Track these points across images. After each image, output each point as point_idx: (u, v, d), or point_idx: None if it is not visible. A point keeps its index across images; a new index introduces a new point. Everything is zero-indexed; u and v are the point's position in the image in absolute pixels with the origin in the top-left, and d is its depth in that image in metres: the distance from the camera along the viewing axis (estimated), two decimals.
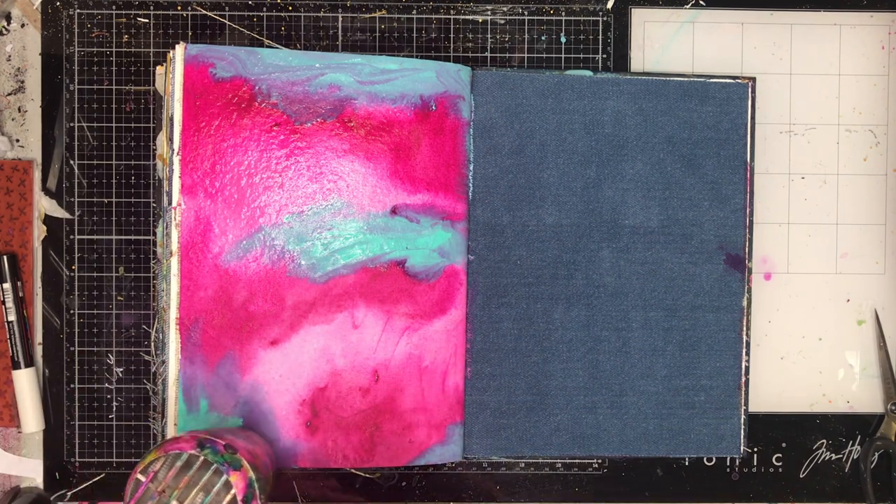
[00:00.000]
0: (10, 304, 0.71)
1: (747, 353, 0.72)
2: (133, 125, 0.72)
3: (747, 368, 0.72)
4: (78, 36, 0.72)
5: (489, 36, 0.73)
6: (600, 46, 0.74)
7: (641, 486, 0.74)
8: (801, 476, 0.75)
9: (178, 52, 0.67)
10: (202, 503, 0.58)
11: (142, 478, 0.58)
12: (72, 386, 0.72)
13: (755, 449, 0.74)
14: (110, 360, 0.72)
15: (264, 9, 0.72)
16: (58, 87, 0.72)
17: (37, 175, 0.72)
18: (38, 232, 0.72)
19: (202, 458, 0.59)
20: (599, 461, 0.74)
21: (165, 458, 0.58)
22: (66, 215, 0.72)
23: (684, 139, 0.72)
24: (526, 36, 0.73)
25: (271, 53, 0.68)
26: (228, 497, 0.58)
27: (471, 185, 0.71)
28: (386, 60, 0.69)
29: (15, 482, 0.73)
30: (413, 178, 0.69)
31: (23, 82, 0.73)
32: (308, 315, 0.68)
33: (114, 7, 0.72)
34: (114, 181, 0.72)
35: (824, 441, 0.75)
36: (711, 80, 0.72)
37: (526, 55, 0.73)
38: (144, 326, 0.72)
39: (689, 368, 0.72)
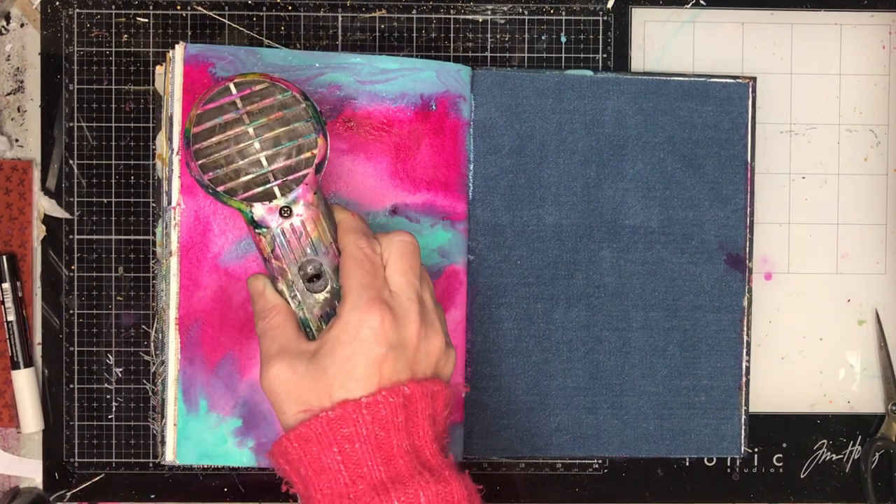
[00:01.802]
0: (9, 304, 0.71)
1: (748, 353, 0.72)
2: (133, 125, 0.72)
3: (748, 368, 0.72)
4: (77, 36, 0.72)
5: (489, 36, 0.73)
6: (600, 46, 0.73)
7: (641, 487, 0.74)
8: (801, 476, 0.74)
9: (178, 52, 0.67)
10: (277, 144, 0.54)
11: (234, 90, 0.54)
12: (71, 386, 0.72)
13: (756, 449, 0.74)
14: (110, 360, 0.72)
15: (264, 8, 0.72)
16: (57, 87, 0.72)
17: (36, 175, 0.72)
18: (38, 232, 0.72)
19: (304, 105, 0.55)
20: (599, 461, 0.74)
21: (268, 86, 0.55)
22: (66, 215, 0.72)
23: (685, 139, 0.72)
24: (526, 36, 0.73)
25: (271, 53, 0.68)
26: (305, 155, 0.55)
27: (471, 184, 0.71)
28: (386, 60, 0.69)
29: (14, 482, 0.73)
30: (413, 177, 0.69)
31: (22, 82, 0.73)
32: None
33: (113, 7, 0.72)
34: (113, 181, 0.72)
35: (825, 441, 0.75)
36: (712, 79, 0.72)
37: (526, 55, 0.73)
38: (144, 326, 0.72)
39: (690, 368, 0.72)
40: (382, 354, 0.53)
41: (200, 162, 0.54)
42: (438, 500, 0.52)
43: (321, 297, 0.56)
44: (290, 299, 0.57)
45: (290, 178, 0.55)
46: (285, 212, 0.55)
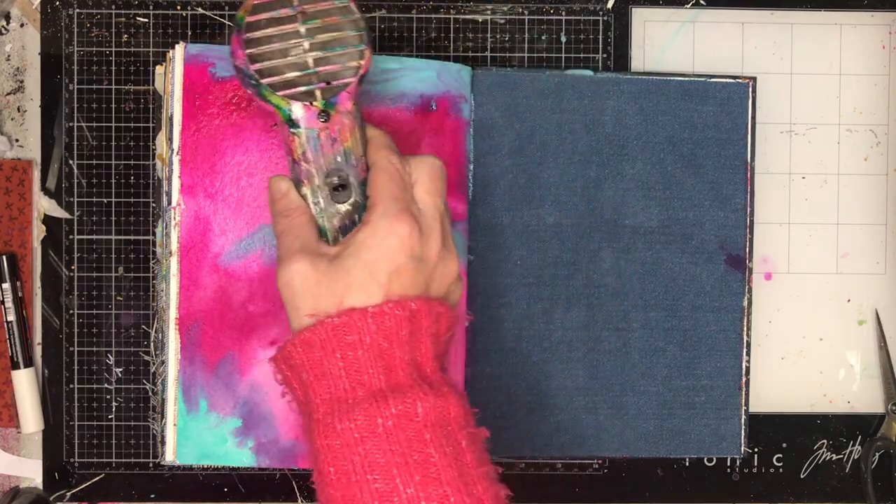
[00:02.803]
0: (9, 304, 0.71)
1: (748, 354, 0.72)
2: (133, 125, 0.72)
3: (748, 368, 0.72)
4: (77, 35, 0.72)
5: (489, 36, 0.73)
6: (600, 46, 0.73)
7: (641, 487, 0.74)
8: (801, 476, 0.74)
9: (178, 52, 0.67)
10: (326, 48, 0.54)
11: None
12: (71, 386, 0.72)
13: (756, 449, 0.74)
14: (110, 360, 0.72)
15: None
16: (57, 87, 0.72)
17: (36, 175, 0.72)
18: (38, 232, 0.72)
19: (358, 16, 0.55)
20: (599, 461, 0.74)
21: None
22: (66, 215, 0.72)
23: (685, 139, 0.72)
24: (526, 36, 0.73)
25: None
26: (352, 64, 0.55)
27: (471, 185, 0.71)
28: (386, 60, 0.69)
29: (14, 482, 0.73)
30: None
31: (22, 82, 0.73)
32: None
33: (113, 7, 0.72)
34: (113, 181, 0.72)
35: (825, 441, 0.75)
36: (712, 79, 0.72)
37: (526, 55, 0.73)
38: (144, 326, 0.72)
39: (690, 368, 0.72)
40: (404, 264, 0.54)
41: (249, 51, 0.53)
42: (435, 413, 0.52)
43: (343, 208, 0.56)
44: (311, 205, 0.56)
45: (335, 83, 0.55)
46: (323, 116, 0.55)
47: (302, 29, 0.54)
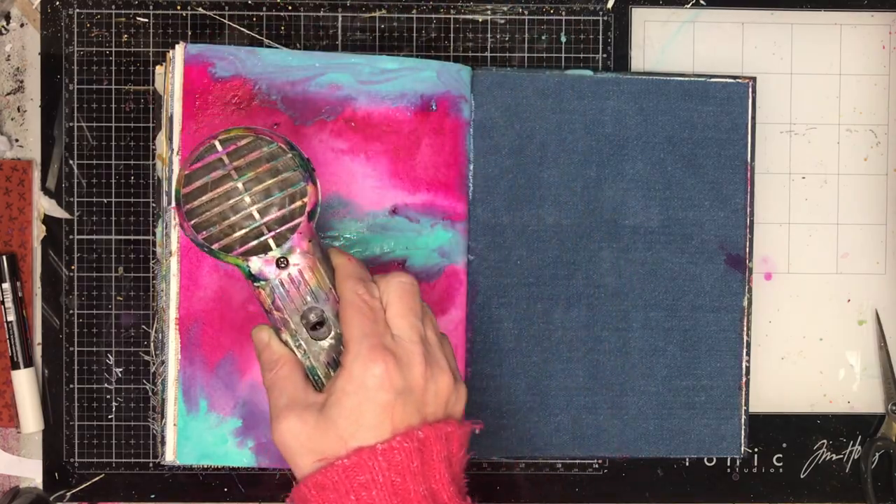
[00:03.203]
0: (9, 304, 0.71)
1: (748, 353, 0.72)
2: (133, 125, 0.72)
3: (748, 368, 0.72)
4: (77, 35, 0.72)
5: (489, 36, 0.73)
6: (600, 46, 0.73)
7: (641, 487, 0.74)
8: (801, 476, 0.74)
9: (178, 52, 0.67)
10: (268, 197, 0.54)
11: (219, 147, 0.54)
12: (71, 386, 0.72)
13: (756, 449, 0.74)
14: (110, 360, 0.72)
15: (264, 8, 0.72)
16: (57, 87, 0.72)
17: (36, 175, 0.72)
18: (38, 232, 0.72)
19: (290, 155, 0.55)
20: (599, 461, 0.74)
21: (253, 140, 0.55)
22: (66, 215, 0.72)
23: (685, 139, 0.72)
24: (526, 36, 0.73)
25: (271, 53, 0.68)
26: (297, 204, 0.55)
27: (471, 185, 0.71)
28: (386, 60, 0.69)
29: (14, 482, 0.73)
30: (413, 177, 0.69)
31: (22, 82, 0.73)
32: None
33: (113, 7, 0.72)
34: (113, 181, 0.72)
35: (825, 441, 0.75)
36: (712, 79, 0.72)
37: (526, 55, 0.73)
38: (144, 326, 0.72)
39: (690, 368, 0.72)
40: (391, 401, 0.53)
41: (193, 222, 0.54)
42: None
43: (326, 343, 0.56)
44: (295, 349, 0.57)
45: (284, 227, 0.55)
46: (282, 262, 0.55)
47: (239, 185, 0.54)
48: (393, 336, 0.55)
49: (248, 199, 0.54)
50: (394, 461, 0.52)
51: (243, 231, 0.54)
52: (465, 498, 0.55)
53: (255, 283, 0.55)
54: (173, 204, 0.54)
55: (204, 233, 0.54)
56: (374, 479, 0.52)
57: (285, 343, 0.57)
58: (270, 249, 0.55)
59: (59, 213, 0.72)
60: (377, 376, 0.53)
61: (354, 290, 0.55)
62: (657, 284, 0.72)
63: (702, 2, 0.74)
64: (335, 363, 0.56)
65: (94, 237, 0.72)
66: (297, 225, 0.55)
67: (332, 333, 0.56)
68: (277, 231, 0.55)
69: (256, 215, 0.54)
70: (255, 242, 0.55)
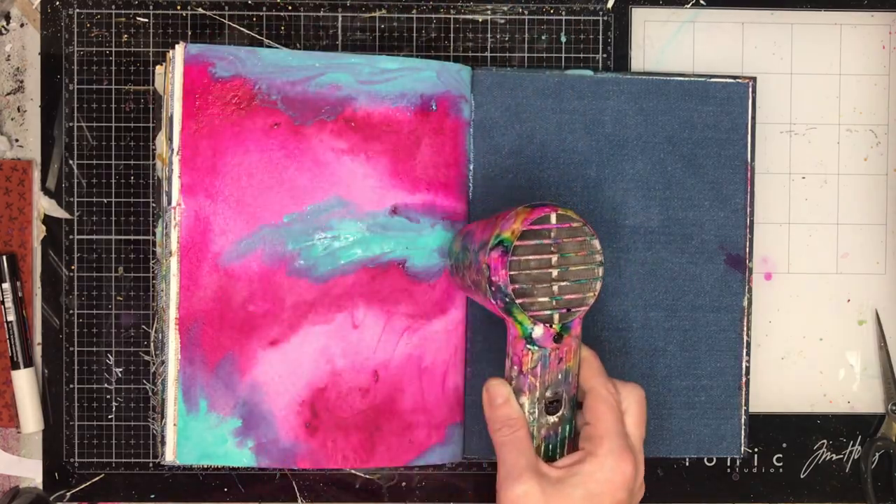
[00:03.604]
0: (9, 304, 0.71)
1: (748, 353, 0.72)
2: (133, 125, 0.72)
3: (748, 368, 0.72)
4: (77, 35, 0.72)
5: (489, 36, 0.73)
6: (600, 46, 0.73)
7: None
8: (801, 476, 0.74)
9: (178, 52, 0.67)
10: (572, 280, 0.58)
11: (554, 220, 0.58)
12: (71, 386, 0.72)
13: (756, 449, 0.74)
14: (110, 360, 0.72)
15: (264, 8, 0.72)
16: (57, 87, 0.72)
17: (36, 175, 0.72)
18: (38, 232, 0.72)
19: (599, 252, 0.59)
20: None
21: (581, 226, 0.59)
22: (66, 215, 0.72)
23: (685, 139, 0.72)
24: (526, 36, 0.73)
25: (271, 53, 0.68)
26: (589, 294, 0.59)
27: (471, 184, 0.71)
28: (386, 60, 0.69)
29: (14, 482, 0.73)
30: (413, 177, 0.69)
31: (22, 82, 0.73)
32: (308, 315, 0.68)
33: (113, 7, 0.72)
34: (113, 181, 0.72)
35: (825, 441, 0.75)
36: (712, 79, 0.72)
37: (526, 55, 0.73)
38: (144, 326, 0.72)
39: (690, 368, 0.72)
40: (623, 500, 0.58)
41: (512, 273, 0.57)
42: None
43: (552, 419, 0.60)
44: (527, 414, 0.60)
45: (573, 309, 0.59)
46: (557, 338, 0.59)
47: (554, 259, 0.58)
48: (630, 442, 0.60)
49: (555, 273, 0.58)
50: None
51: (544, 299, 0.58)
52: None
53: (528, 345, 0.59)
54: (496, 252, 0.59)
55: (515, 286, 0.57)
56: None
57: (521, 405, 0.60)
58: (554, 323, 0.58)
59: (59, 213, 0.72)
60: (626, 474, 0.58)
61: (606, 387, 0.60)
62: (657, 284, 0.72)
63: (702, 2, 0.74)
64: (550, 440, 0.60)
65: (94, 237, 0.72)
66: (583, 311, 0.59)
67: (560, 413, 0.60)
68: (567, 311, 0.59)
69: (557, 290, 0.58)
70: (547, 312, 0.58)
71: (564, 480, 0.58)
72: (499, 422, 0.60)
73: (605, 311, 0.71)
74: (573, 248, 0.59)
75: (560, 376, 0.60)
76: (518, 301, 0.58)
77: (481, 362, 0.71)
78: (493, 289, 0.58)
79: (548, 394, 0.60)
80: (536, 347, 0.59)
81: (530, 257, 0.58)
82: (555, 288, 0.58)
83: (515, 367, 0.60)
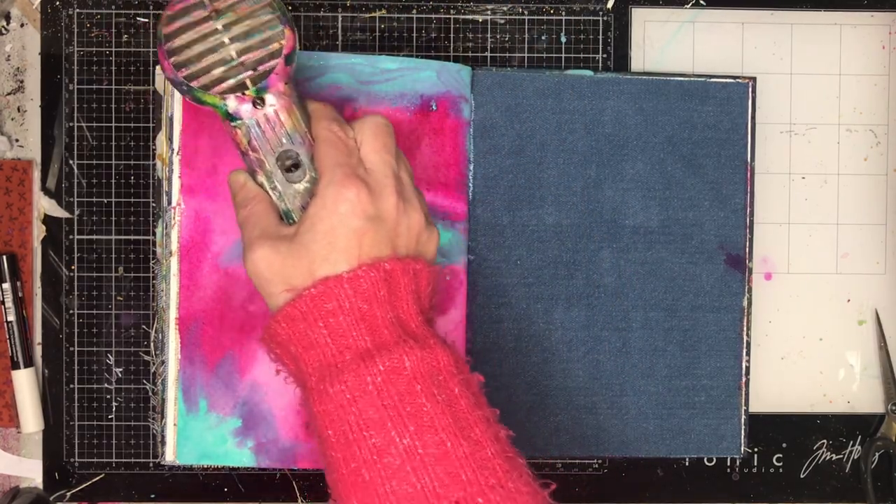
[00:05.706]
0: (9, 304, 0.71)
1: (748, 353, 0.72)
2: (133, 125, 0.72)
3: (748, 368, 0.72)
4: (77, 35, 0.72)
5: (489, 36, 0.73)
6: (600, 46, 0.73)
7: (641, 487, 0.74)
8: (801, 476, 0.74)
9: None
10: (246, 37, 0.56)
11: (182, 4, 0.56)
12: (71, 386, 0.72)
13: (756, 449, 0.74)
14: (110, 360, 0.72)
15: None
16: (57, 87, 0.72)
17: (36, 175, 0.72)
18: (38, 232, 0.72)
19: (269, 0, 0.57)
20: (599, 461, 0.74)
21: None
22: (66, 215, 0.72)
23: (684, 139, 0.72)
24: (526, 36, 0.73)
25: None
26: (274, 46, 0.57)
27: (471, 185, 0.71)
28: (386, 60, 0.69)
29: (14, 482, 0.73)
30: (413, 177, 0.69)
31: (22, 82, 0.73)
32: None
33: (113, 7, 0.72)
34: (113, 181, 0.72)
35: (825, 441, 0.75)
36: (712, 79, 0.72)
37: (526, 55, 0.73)
38: (144, 326, 0.72)
39: (690, 368, 0.72)
40: (361, 227, 0.54)
41: (173, 60, 0.55)
42: (423, 365, 0.53)
43: (301, 186, 0.58)
44: (270, 191, 0.58)
45: (261, 68, 0.56)
46: (258, 102, 0.56)
47: (219, 25, 0.56)
48: (366, 169, 0.56)
49: (226, 39, 0.56)
50: (360, 289, 0.53)
51: (221, 69, 0.56)
52: (432, 327, 0.57)
53: (232, 123, 0.57)
54: (158, 47, 0.56)
55: (184, 70, 0.55)
56: (340, 306, 0.53)
57: (260, 185, 0.58)
58: (247, 89, 0.56)
59: (59, 213, 0.72)
60: (350, 201, 0.54)
61: (329, 128, 0.57)
62: (657, 284, 0.72)
63: (702, 2, 0.74)
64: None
65: (94, 237, 0.72)
66: (274, 66, 0.56)
67: (307, 177, 0.57)
68: (255, 71, 0.56)
69: (234, 55, 0.56)
70: (232, 81, 0.56)
71: (298, 232, 0.55)
72: (238, 206, 0.59)
73: (605, 311, 0.71)
74: (233, 7, 0.56)
75: (285, 140, 0.57)
76: (194, 84, 0.56)
77: (481, 362, 0.71)
78: (174, 86, 0.56)
79: (282, 162, 0.57)
80: (240, 121, 0.57)
81: (188, 36, 0.56)
82: (231, 53, 0.56)
83: (238, 151, 0.58)
